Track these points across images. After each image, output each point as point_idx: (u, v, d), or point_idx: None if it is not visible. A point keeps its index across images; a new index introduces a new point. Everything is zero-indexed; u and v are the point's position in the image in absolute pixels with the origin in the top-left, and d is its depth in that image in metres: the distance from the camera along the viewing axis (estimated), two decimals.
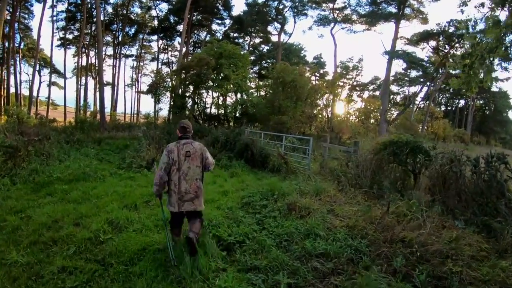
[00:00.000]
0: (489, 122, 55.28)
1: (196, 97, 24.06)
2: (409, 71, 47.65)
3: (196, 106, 24.36)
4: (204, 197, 5.23)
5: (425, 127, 41.80)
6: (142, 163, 11.63)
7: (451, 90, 50.70)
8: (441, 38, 38.06)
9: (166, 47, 47.81)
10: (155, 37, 47.16)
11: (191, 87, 22.96)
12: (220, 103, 24.31)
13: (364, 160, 9.35)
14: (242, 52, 24.50)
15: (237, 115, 23.56)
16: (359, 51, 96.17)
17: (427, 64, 39.97)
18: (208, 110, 25.22)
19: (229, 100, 25.85)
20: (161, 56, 48.10)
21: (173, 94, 24.08)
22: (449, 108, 59.56)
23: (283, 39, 40.47)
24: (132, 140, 17.65)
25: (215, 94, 24.08)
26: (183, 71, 22.63)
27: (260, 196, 8.04)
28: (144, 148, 12.84)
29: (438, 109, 52.74)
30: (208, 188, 8.98)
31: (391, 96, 49.88)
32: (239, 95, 24.54)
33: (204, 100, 24.65)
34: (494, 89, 48.82)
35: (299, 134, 20.32)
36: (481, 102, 56.84)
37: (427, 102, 45.61)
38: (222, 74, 21.65)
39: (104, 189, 8.57)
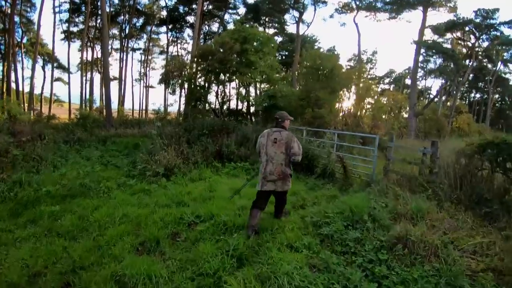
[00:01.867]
0: (506, 116, 52.90)
1: (217, 88, 21.05)
2: (424, 63, 44.87)
3: (216, 98, 21.39)
4: (289, 180, 5.67)
5: (451, 123, 39.00)
6: (159, 169, 8.96)
7: (466, 83, 47.76)
8: (467, 29, 35.84)
9: (176, 39, 45.26)
10: (163, 29, 44.62)
11: (212, 76, 19.71)
12: (244, 94, 21.39)
13: (450, 166, 7.45)
14: (268, 38, 21.59)
15: (261, 109, 20.36)
16: (382, 41, 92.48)
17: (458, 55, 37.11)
18: (229, 103, 22.38)
19: (252, 92, 23.12)
20: (170, 49, 45.49)
21: (189, 84, 20.88)
22: (463, 102, 55.78)
23: (301, 29, 37.53)
24: (143, 138, 14.98)
25: (235, 85, 21.51)
26: (202, 58, 19.53)
27: (341, 221, 5.57)
28: (159, 149, 10.19)
29: (464, 103, 49.99)
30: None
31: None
32: (264, 86, 21.76)
33: (226, 91, 21.71)
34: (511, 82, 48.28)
35: (338, 130, 17.71)
36: (496, 96, 53.85)
37: (447, 96, 43.86)
38: (246, 61, 18.74)
39: (110, 211, 6.11)
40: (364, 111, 23.99)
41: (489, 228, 5.37)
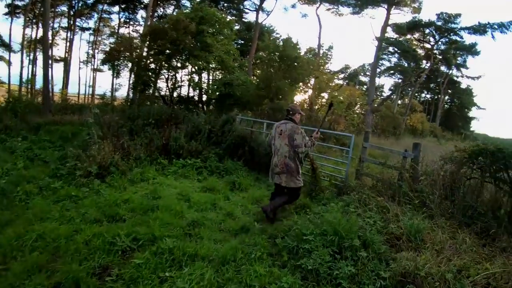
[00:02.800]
0: (454, 118, 56.16)
1: (168, 72, 18.76)
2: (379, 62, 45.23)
3: (166, 83, 19.15)
4: (297, 177, 5.83)
5: (406, 120, 39.53)
6: (91, 168, 7.17)
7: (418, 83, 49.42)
8: (427, 31, 37.11)
9: (128, 20, 42.53)
10: (116, 9, 41.75)
11: (162, 58, 17.24)
12: (196, 81, 18.93)
13: (436, 173, 6.88)
14: (228, 20, 19.81)
15: (215, 98, 18.51)
16: (339, 37, 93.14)
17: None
18: (180, 90, 20.51)
19: (206, 79, 21.01)
20: (122, 30, 42.66)
21: (137, 67, 18.46)
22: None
23: (261, 18, 36.12)
24: (82, 126, 12.85)
25: (188, 71, 19.20)
26: (152, 37, 17.12)
27: (325, 247, 4.35)
28: (95, 141, 8.41)
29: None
30: (209, 216, 5.86)
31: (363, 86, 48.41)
32: (219, 74, 19.96)
33: (177, 76, 19.47)
34: (463, 86, 52.53)
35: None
36: (446, 97, 57.04)
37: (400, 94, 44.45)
38: (201, 44, 17.01)
39: (22, 230, 4.53)
40: (323, 105, 23.00)
41: (490, 249, 4.75)
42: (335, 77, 29.56)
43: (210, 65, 18.22)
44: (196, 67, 17.61)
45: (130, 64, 19.80)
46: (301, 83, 19.52)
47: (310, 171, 8.03)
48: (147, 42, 18.38)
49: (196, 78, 18.58)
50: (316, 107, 22.32)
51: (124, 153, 8.48)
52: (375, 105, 32.68)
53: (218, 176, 8.77)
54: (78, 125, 13.90)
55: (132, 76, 20.86)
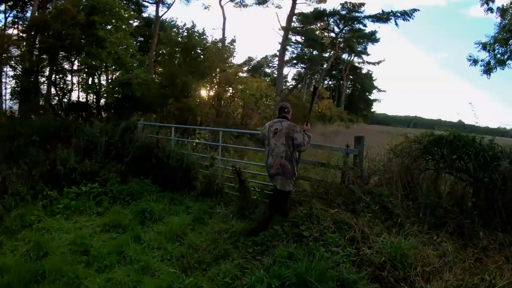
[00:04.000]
0: (357, 101, 60.45)
1: (55, 74, 15.77)
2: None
3: (55, 88, 16.06)
4: (292, 180, 5.29)
5: (315, 108, 39.86)
6: None
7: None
8: (331, 20, 38.12)
9: (17, 20, 37.58)
10: (2, 7, 36.56)
11: (45, 58, 14.58)
12: (90, 84, 16.34)
13: (388, 169, 6.28)
14: (124, 8, 17.25)
15: (113, 101, 15.87)
16: (241, 29, 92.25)
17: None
18: (70, 95, 17.09)
19: (103, 81, 17.58)
20: (10, 32, 37.60)
21: (23, 69, 15.13)
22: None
23: (161, 12, 33.71)
24: None
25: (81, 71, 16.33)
26: (33, 32, 14.38)
27: None
28: None
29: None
30: (116, 277, 4.15)
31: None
32: (118, 74, 17.00)
33: (66, 79, 16.42)
34: (364, 71, 56.01)
35: (209, 125, 14.88)
36: (348, 83, 60.05)
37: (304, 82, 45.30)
38: (93, 38, 14.30)
39: None
40: (233, 99, 21.50)
41: (472, 251, 4.39)
42: (240, 70, 28.62)
43: (105, 64, 15.72)
44: (88, 67, 15.17)
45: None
46: (208, 78, 17.66)
47: (237, 184, 6.66)
48: (31, 39, 15.35)
49: (90, 79, 16.11)
50: (222, 102, 20.48)
51: None
52: (285, 94, 32.40)
53: (122, 204, 6.92)
54: None
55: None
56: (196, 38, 16.00)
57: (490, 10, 15.34)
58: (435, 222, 5.06)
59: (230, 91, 20.07)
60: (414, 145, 6.21)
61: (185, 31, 16.57)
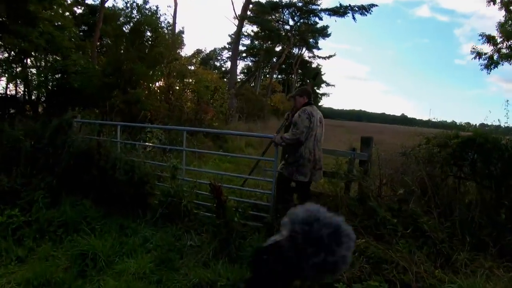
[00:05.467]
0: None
1: None
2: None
3: None
4: None
5: (268, 101, 38.88)
6: None
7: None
8: (287, 12, 37.85)
9: None
10: None
11: None
12: (17, 72, 12.87)
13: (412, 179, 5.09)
14: None
15: (44, 93, 13.22)
16: (191, 20, 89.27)
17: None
18: None
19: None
20: None
21: None
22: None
23: None
24: None
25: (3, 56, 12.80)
26: None
27: None
28: None
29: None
30: None
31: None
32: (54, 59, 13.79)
33: None
34: (314, 65, 55.49)
35: (163, 123, 12.65)
36: (297, 77, 60.02)
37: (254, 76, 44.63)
38: (21, 14, 11.41)
39: None
40: (185, 91, 19.29)
41: None
42: (191, 62, 26.49)
43: (36, 47, 12.50)
44: (15, 49, 12.39)
45: None
46: (159, 66, 15.31)
47: (216, 205, 4.81)
48: None
49: (17, 67, 13.27)
50: (174, 95, 18.17)
51: None
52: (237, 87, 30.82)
53: (54, 240, 4.73)
54: None
55: None
56: (149, 16, 13.86)
57: (493, 1, 14.38)
58: (475, 243, 4.23)
59: (182, 83, 17.99)
60: (436, 149, 5.33)
61: (135, 7, 14.25)
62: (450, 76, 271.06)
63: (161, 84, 16.48)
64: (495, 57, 13.35)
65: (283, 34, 37.19)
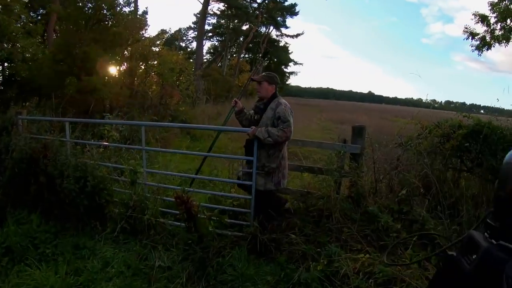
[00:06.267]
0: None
1: None
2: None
3: None
4: None
5: (236, 81, 38.06)
6: None
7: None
8: None
9: None
10: None
11: None
12: None
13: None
14: None
15: None
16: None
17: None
18: None
19: None
20: None
21: None
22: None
23: None
24: None
25: None
26: None
27: None
28: None
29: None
30: None
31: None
32: None
33: None
34: (281, 43, 54.24)
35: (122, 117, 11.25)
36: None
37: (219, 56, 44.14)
38: None
39: None
40: (148, 74, 17.92)
41: None
42: (154, 44, 24.98)
43: None
44: None
45: None
46: (118, 49, 13.98)
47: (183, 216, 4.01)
48: None
49: None
50: (136, 79, 16.93)
51: None
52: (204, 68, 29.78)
53: None
54: None
55: None
56: None
57: None
58: None
59: (146, 66, 16.75)
60: (438, 140, 4.94)
61: None
62: (417, 54, 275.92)
63: (124, 69, 15.26)
64: (487, 38, 12.78)
65: (251, 11, 36.05)
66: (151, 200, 4.67)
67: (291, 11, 41.39)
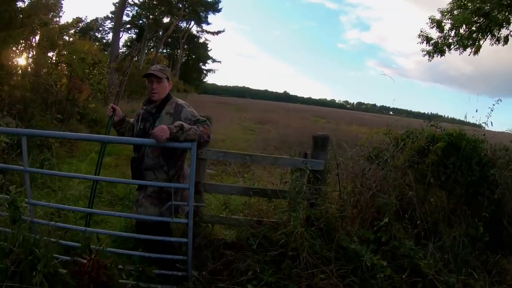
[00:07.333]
0: (191, 71, 59.49)
1: None
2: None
3: None
4: None
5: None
6: None
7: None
8: None
9: None
10: None
11: None
12: None
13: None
14: None
15: None
16: None
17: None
18: None
19: None
20: None
21: None
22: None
23: None
24: None
25: None
26: None
27: None
28: None
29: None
30: None
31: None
32: None
33: None
34: (201, 40, 56.00)
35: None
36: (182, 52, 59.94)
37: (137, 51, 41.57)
38: None
39: None
40: (57, 65, 15.70)
41: None
42: (66, 31, 22.55)
43: None
44: None
45: None
46: (21, 31, 11.74)
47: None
48: None
49: None
50: (45, 70, 14.62)
51: None
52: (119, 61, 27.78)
53: None
54: None
55: None
56: None
57: None
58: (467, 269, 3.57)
59: (54, 55, 14.66)
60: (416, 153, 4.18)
61: None
62: (333, 58, 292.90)
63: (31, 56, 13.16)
64: (439, 44, 12.86)
65: (174, 2, 34.99)
66: (41, 246, 3.05)
67: (214, 7, 41.77)
